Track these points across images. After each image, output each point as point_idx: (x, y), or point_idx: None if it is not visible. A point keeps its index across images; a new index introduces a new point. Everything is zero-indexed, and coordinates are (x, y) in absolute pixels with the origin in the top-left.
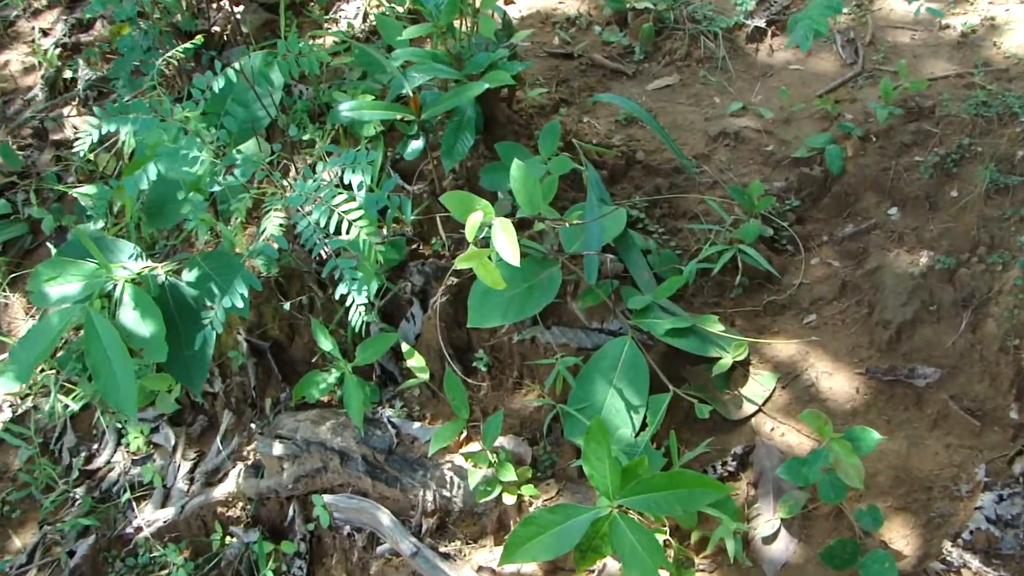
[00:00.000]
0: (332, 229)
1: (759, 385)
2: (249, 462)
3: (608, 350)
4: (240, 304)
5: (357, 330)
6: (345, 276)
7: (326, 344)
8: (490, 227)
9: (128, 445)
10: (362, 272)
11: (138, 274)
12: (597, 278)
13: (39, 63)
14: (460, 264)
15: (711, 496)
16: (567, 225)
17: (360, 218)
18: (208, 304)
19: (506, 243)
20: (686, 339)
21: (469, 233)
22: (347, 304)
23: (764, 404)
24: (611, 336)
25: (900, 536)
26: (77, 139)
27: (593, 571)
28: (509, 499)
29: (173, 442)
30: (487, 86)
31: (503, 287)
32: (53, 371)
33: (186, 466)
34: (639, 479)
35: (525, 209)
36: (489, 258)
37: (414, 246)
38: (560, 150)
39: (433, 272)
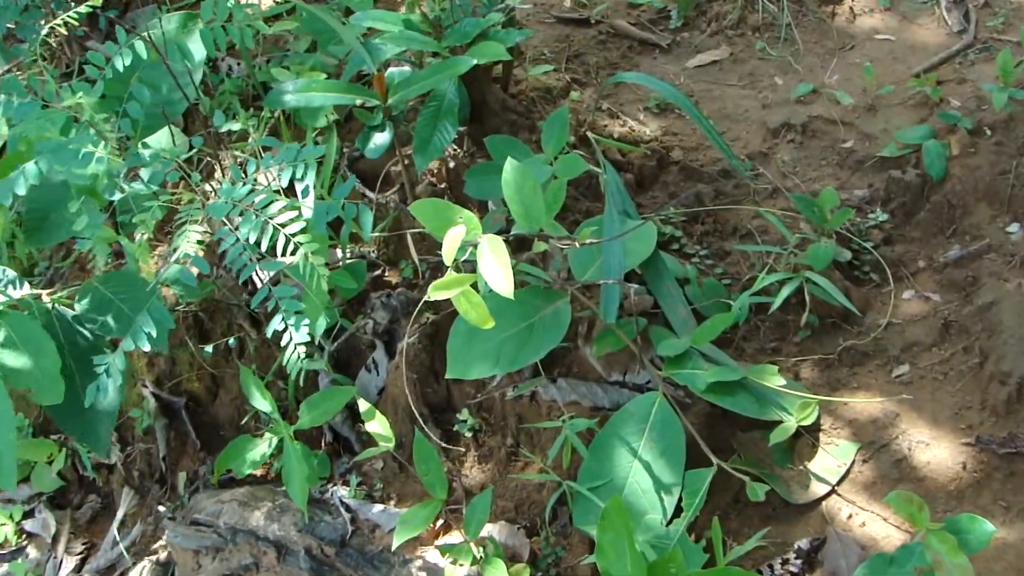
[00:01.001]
0: (266, 248)
1: (832, 458)
2: (156, 557)
3: (632, 411)
4: (146, 346)
5: (299, 382)
6: (281, 307)
7: (260, 401)
8: (476, 247)
9: None
10: (306, 305)
11: (19, 301)
12: (618, 315)
13: None
14: (435, 294)
15: None
16: (578, 246)
17: (304, 233)
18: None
19: (497, 268)
20: (735, 397)
21: (448, 255)
22: (285, 345)
23: (839, 483)
24: (636, 392)
25: None
26: None
27: None
28: None
29: (54, 530)
30: (475, 62)
31: (492, 326)
32: None
33: (71, 562)
34: None
35: (522, 224)
36: (475, 288)
37: (377, 271)
38: (570, 147)
39: (402, 306)
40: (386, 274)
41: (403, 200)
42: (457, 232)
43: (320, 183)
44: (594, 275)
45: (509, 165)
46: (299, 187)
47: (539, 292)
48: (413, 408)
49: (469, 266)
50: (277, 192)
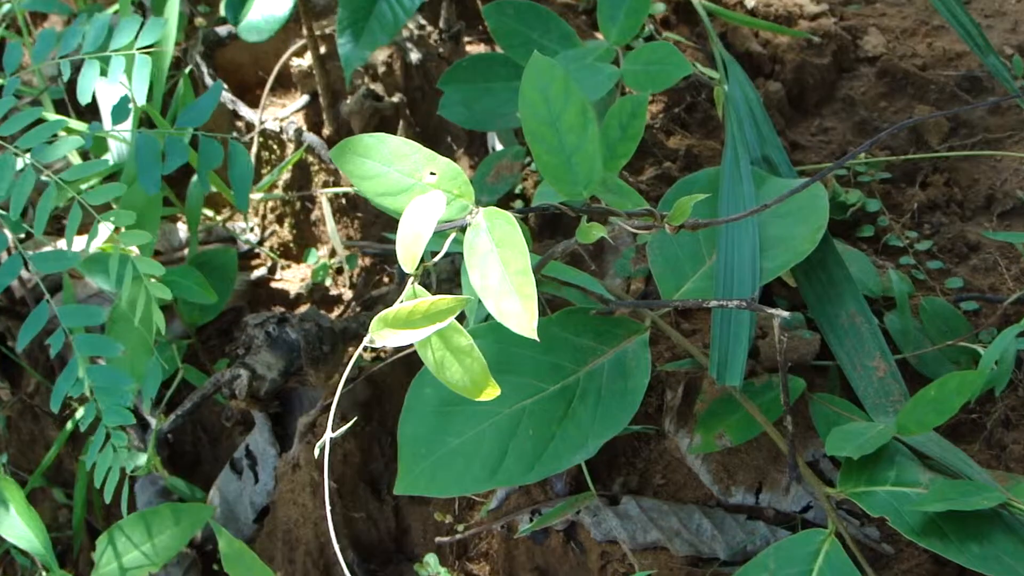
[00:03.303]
0: (38, 226)
1: None
2: None
3: (774, 568)
4: None
5: (107, 494)
6: (75, 350)
7: (20, 531)
8: (463, 232)
9: None
10: (120, 339)
11: None
12: (748, 372)
13: None
14: (380, 335)
15: None
16: (668, 230)
17: (112, 194)
18: None
19: (505, 278)
20: (986, 544)
21: (407, 253)
22: (84, 426)
23: None
24: (781, 529)
25: None
26: None
27: None
28: None
29: None
30: None
31: (493, 394)
32: None
33: None
34: None
35: (556, 183)
36: (459, 318)
37: (260, 270)
38: (657, 25)
39: (310, 343)
40: (279, 277)
41: (314, 130)
42: (425, 204)
43: (150, 93)
44: (698, 288)
45: (533, 63)
46: (105, 101)
47: (587, 322)
48: (331, 551)
49: (449, 270)
50: (61, 114)
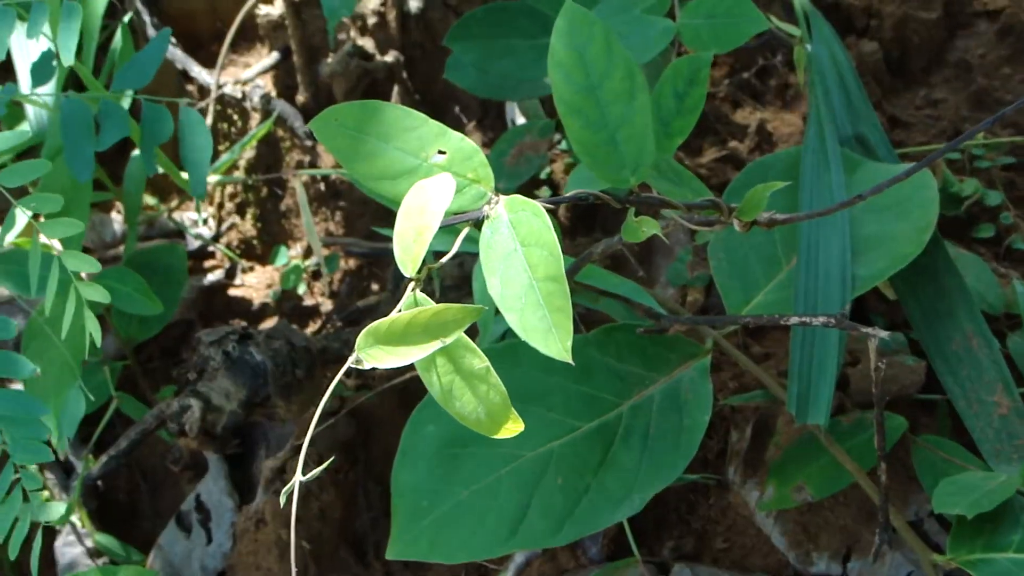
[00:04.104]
0: None
1: None
2: None
3: None
4: None
5: (11, 550)
6: None
7: None
8: (479, 227)
9: None
10: (38, 361)
11: None
12: (835, 408)
13: None
14: (370, 355)
15: None
16: (736, 227)
17: (31, 175)
18: None
19: (532, 286)
20: None
21: (407, 252)
22: None
23: None
24: None
25: None
26: None
27: None
28: None
29: None
30: None
31: (515, 431)
32: None
33: None
34: None
35: (594, 166)
36: (470, 333)
37: (216, 273)
38: None
39: (278, 365)
40: (240, 282)
41: (286, 96)
42: (432, 189)
43: (79, 49)
44: (773, 300)
45: (566, 14)
46: (22, 58)
47: (632, 343)
48: None
49: (456, 276)
50: None
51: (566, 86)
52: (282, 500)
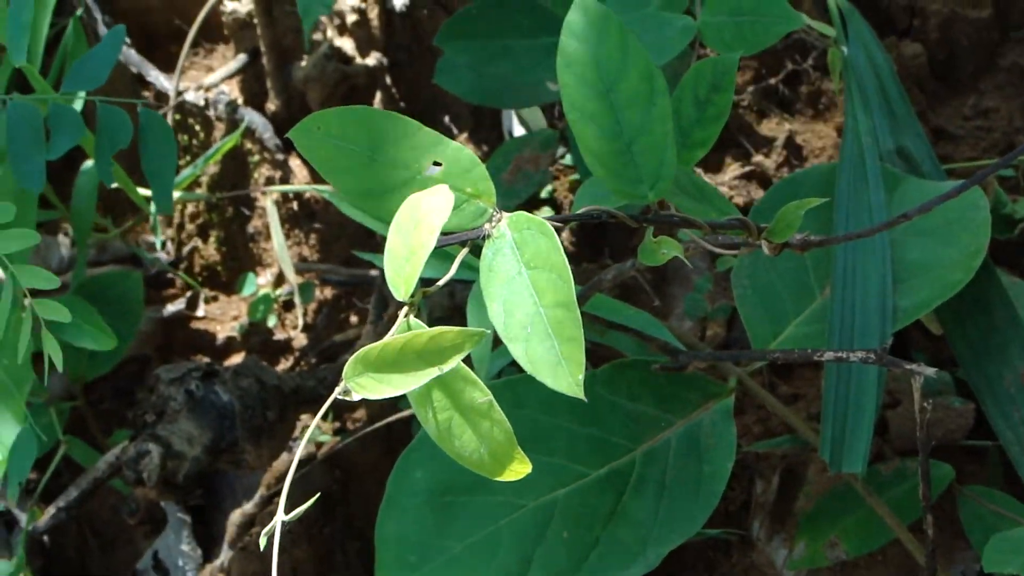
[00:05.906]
0: None
1: None
2: None
3: None
4: None
5: None
6: None
7: None
8: (480, 247)
9: None
10: None
11: None
12: (872, 455)
13: None
14: (359, 385)
15: None
16: (765, 250)
17: None
18: None
19: (539, 315)
20: None
21: (400, 276)
22: None
23: None
24: None
25: None
26: None
27: None
28: None
29: None
30: None
31: (521, 472)
32: None
33: None
34: None
35: (613, 179)
36: (467, 362)
37: (177, 302)
38: None
39: (246, 408)
40: (203, 314)
41: (254, 103)
42: (428, 203)
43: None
44: (804, 334)
45: (577, 8)
46: None
47: (646, 381)
48: None
49: (446, 306)
50: None
51: (576, 88)
52: (262, 543)
